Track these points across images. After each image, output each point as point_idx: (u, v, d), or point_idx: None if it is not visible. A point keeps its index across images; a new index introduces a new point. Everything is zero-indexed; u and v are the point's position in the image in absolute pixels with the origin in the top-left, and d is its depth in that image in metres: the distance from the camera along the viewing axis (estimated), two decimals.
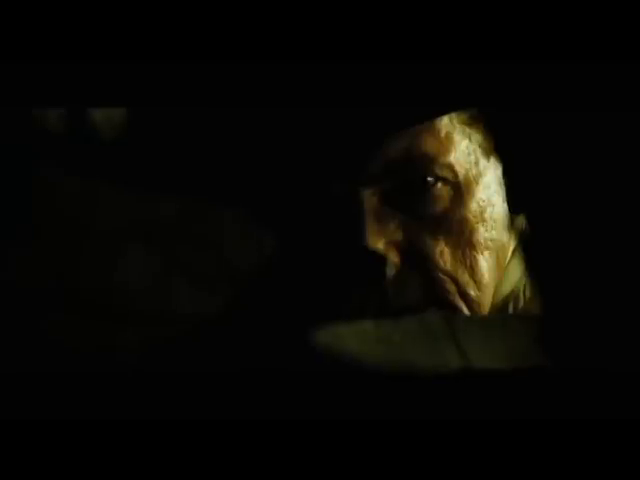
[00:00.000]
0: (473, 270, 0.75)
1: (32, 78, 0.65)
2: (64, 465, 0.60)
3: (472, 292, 0.75)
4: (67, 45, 0.65)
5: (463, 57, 0.66)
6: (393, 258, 0.73)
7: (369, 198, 0.73)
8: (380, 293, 0.72)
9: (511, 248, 0.79)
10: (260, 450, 0.59)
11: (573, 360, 0.59)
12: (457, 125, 0.76)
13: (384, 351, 0.59)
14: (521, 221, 0.79)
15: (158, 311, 0.65)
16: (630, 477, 0.58)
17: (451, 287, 0.75)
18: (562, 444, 0.58)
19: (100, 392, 0.61)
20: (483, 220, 0.76)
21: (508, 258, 0.78)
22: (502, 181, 0.78)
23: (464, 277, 0.75)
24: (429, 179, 0.74)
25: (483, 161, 0.77)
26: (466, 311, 0.75)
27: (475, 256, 0.75)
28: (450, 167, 0.75)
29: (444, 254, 0.74)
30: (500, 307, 0.77)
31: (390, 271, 0.73)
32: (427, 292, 0.74)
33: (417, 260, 0.74)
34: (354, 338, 0.59)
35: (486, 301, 0.76)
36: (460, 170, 0.75)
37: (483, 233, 0.76)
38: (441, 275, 0.74)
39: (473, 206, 0.76)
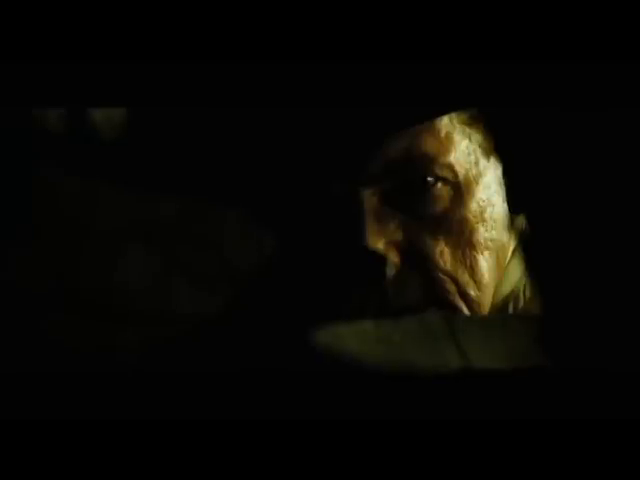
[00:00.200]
0: (473, 270, 0.75)
1: (32, 78, 0.65)
2: (64, 465, 0.60)
3: (472, 292, 0.75)
4: (67, 45, 0.65)
5: (463, 57, 0.66)
6: (393, 258, 0.73)
7: (369, 198, 0.73)
8: (380, 293, 0.72)
9: (511, 248, 0.79)
10: (260, 450, 0.59)
11: (573, 360, 0.59)
12: (457, 125, 0.76)
13: (384, 351, 0.59)
14: (521, 221, 0.79)
15: (158, 311, 0.65)
16: (630, 477, 0.58)
17: (451, 287, 0.75)
18: (562, 444, 0.58)
19: (100, 392, 0.61)
20: (483, 220, 0.76)
21: (508, 258, 0.78)
22: (502, 181, 0.78)
23: (464, 277, 0.75)
24: (429, 179, 0.74)
25: (483, 161, 0.77)
26: (466, 311, 0.75)
27: (475, 256, 0.75)
28: (450, 167, 0.75)
29: (444, 254, 0.74)
30: (500, 307, 0.77)
31: (390, 271, 0.73)
32: (427, 292, 0.74)
33: (417, 260, 0.74)
34: (354, 338, 0.59)
35: (486, 301, 0.76)
36: (460, 170, 0.75)
37: (483, 233, 0.76)
38: (441, 275, 0.74)
39: (473, 206, 0.76)
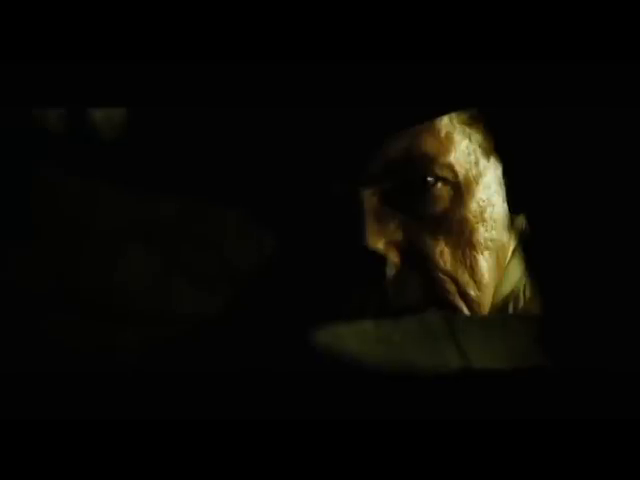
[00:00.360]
0: (473, 270, 0.75)
1: (32, 78, 0.65)
2: (64, 465, 0.60)
3: (472, 292, 0.75)
4: (67, 45, 0.64)
5: (463, 57, 0.66)
6: (393, 258, 0.73)
7: (369, 198, 0.73)
8: (380, 293, 0.72)
9: (511, 248, 0.79)
10: (260, 450, 0.59)
11: (573, 360, 0.59)
12: (457, 125, 0.76)
13: (384, 351, 0.59)
14: (521, 221, 0.79)
15: (158, 311, 0.65)
16: (630, 477, 0.58)
17: (451, 287, 0.75)
18: (562, 444, 0.58)
19: (100, 392, 0.61)
20: (483, 220, 0.76)
21: (508, 258, 0.78)
22: (502, 181, 0.78)
23: (464, 277, 0.75)
24: (429, 179, 0.74)
25: (483, 161, 0.77)
26: (466, 311, 0.75)
27: (475, 256, 0.75)
28: (450, 167, 0.75)
29: (444, 254, 0.74)
30: (500, 307, 0.77)
31: (390, 271, 0.73)
32: (427, 292, 0.74)
33: (417, 260, 0.74)
34: (354, 338, 0.59)
35: (486, 301, 0.76)
36: (460, 170, 0.75)
37: (483, 233, 0.76)
38: (441, 275, 0.74)
39: (473, 206, 0.76)
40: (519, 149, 0.73)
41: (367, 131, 0.72)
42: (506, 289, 0.78)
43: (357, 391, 0.58)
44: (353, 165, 0.73)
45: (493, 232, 0.76)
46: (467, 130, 0.76)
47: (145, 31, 0.65)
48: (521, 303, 0.78)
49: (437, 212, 0.75)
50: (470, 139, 0.76)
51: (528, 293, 0.79)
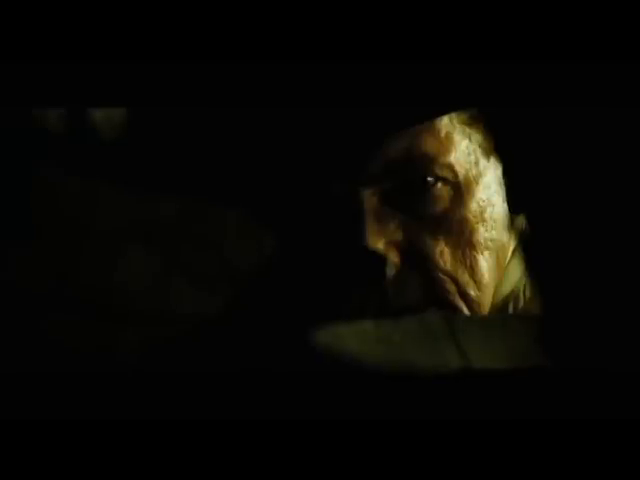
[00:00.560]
0: (473, 270, 0.75)
1: (32, 78, 0.65)
2: (64, 465, 0.60)
3: (472, 292, 0.75)
4: (67, 45, 0.64)
5: (463, 57, 0.66)
6: (393, 258, 0.73)
7: (369, 198, 0.73)
8: (380, 293, 0.72)
9: (511, 248, 0.79)
10: (260, 450, 0.59)
11: (573, 360, 0.59)
12: (457, 125, 0.76)
13: (384, 351, 0.59)
14: (521, 221, 0.79)
15: (158, 311, 0.65)
16: (630, 477, 0.58)
17: (451, 287, 0.75)
18: (562, 444, 0.58)
19: (100, 392, 0.61)
20: (483, 220, 0.76)
21: (508, 258, 0.78)
22: (502, 181, 0.78)
23: (464, 277, 0.75)
24: (429, 179, 0.74)
25: (483, 161, 0.77)
26: (466, 311, 0.75)
27: (475, 256, 0.75)
28: (450, 167, 0.75)
29: (444, 254, 0.74)
30: (500, 307, 0.77)
31: (390, 271, 0.73)
32: (427, 292, 0.74)
33: (417, 260, 0.74)
34: (354, 338, 0.59)
35: (486, 301, 0.76)
36: (460, 170, 0.75)
37: (483, 233, 0.76)
38: (441, 275, 0.74)
39: (473, 206, 0.76)
40: (519, 149, 0.73)
41: (367, 131, 0.72)
42: (506, 289, 0.78)
43: (357, 391, 0.58)
44: (353, 165, 0.73)
45: (493, 232, 0.76)
46: (467, 130, 0.76)
47: (145, 31, 0.65)
48: (521, 303, 0.78)
49: (437, 212, 0.75)
50: (470, 139, 0.76)
51: (528, 293, 0.79)
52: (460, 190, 0.75)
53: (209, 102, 0.68)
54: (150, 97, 0.67)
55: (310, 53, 0.66)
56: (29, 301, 0.63)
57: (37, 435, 0.60)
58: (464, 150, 0.76)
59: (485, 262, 0.76)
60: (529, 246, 0.77)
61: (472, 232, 0.75)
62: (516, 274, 0.79)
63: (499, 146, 0.77)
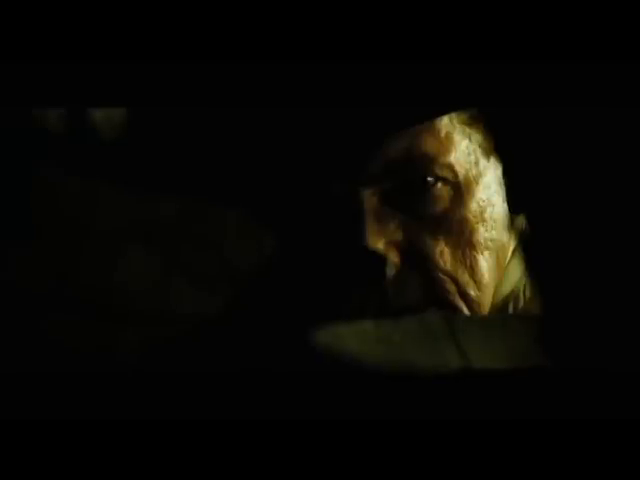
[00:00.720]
0: (473, 270, 0.75)
1: (32, 78, 0.65)
2: (64, 465, 0.60)
3: (472, 292, 0.75)
4: (67, 45, 0.64)
5: (463, 57, 0.66)
6: (393, 258, 0.73)
7: (369, 198, 0.73)
8: (380, 293, 0.72)
9: (511, 248, 0.79)
10: (260, 450, 0.59)
11: (573, 360, 0.59)
12: (457, 125, 0.76)
13: (384, 351, 0.59)
14: (521, 221, 0.79)
15: (158, 311, 0.65)
16: (630, 477, 0.58)
17: (451, 287, 0.75)
18: (562, 444, 0.58)
19: (100, 392, 0.61)
20: (483, 220, 0.76)
21: (508, 258, 0.78)
22: (502, 181, 0.78)
23: (464, 277, 0.75)
24: (429, 179, 0.74)
25: (483, 161, 0.77)
26: (466, 311, 0.75)
27: (475, 256, 0.75)
28: (450, 167, 0.75)
29: (444, 254, 0.74)
30: (500, 307, 0.77)
31: (390, 271, 0.73)
32: (427, 292, 0.74)
33: (417, 260, 0.74)
34: (354, 338, 0.59)
35: (486, 301, 0.76)
36: (460, 170, 0.75)
37: (483, 233, 0.76)
38: (441, 275, 0.74)
39: (473, 206, 0.76)
40: (519, 149, 0.73)
41: (367, 131, 0.72)
42: (506, 289, 0.78)
43: (357, 391, 0.58)
44: (353, 165, 0.73)
45: (493, 232, 0.76)
46: (467, 130, 0.76)
47: (145, 31, 0.65)
48: (521, 303, 0.78)
49: (437, 212, 0.75)
50: (470, 139, 0.76)
51: (528, 293, 0.79)
52: (460, 190, 0.75)
53: (209, 102, 0.68)
54: (150, 97, 0.67)
55: (310, 53, 0.66)
56: (29, 301, 0.63)
57: (37, 435, 0.60)
58: (464, 150, 0.76)
59: (485, 262, 0.76)
60: (529, 246, 0.77)
61: (472, 232, 0.75)
62: (516, 274, 0.79)
63: (499, 146, 0.77)
